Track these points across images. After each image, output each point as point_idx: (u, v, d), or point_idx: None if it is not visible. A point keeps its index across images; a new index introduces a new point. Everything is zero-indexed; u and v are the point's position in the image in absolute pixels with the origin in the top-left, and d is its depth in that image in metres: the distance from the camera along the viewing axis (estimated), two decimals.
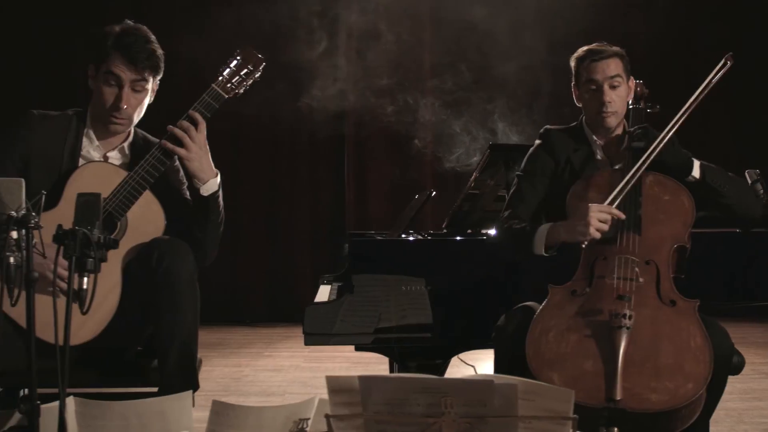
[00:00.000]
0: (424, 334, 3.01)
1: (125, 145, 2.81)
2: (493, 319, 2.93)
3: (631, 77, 2.91)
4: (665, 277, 2.55)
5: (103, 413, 1.93)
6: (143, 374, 2.73)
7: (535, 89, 5.72)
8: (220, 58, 2.78)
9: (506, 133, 4.44)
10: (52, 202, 2.64)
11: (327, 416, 1.89)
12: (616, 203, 2.58)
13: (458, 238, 3.41)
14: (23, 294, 1.94)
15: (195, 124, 2.67)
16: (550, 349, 2.45)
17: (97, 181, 2.66)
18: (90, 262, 1.91)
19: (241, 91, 2.77)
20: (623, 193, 2.60)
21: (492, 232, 3.15)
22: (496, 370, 2.66)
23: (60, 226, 1.89)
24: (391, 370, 3.91)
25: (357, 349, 3.75)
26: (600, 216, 2.54)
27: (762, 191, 2.86)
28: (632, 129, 2.75)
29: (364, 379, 1.84)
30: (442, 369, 3.14)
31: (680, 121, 2.69)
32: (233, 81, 2.74)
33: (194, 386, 2.62)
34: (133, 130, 2.84)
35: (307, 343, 3.09)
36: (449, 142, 4.54)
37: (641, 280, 2.52)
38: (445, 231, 3.81)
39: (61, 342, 1.92)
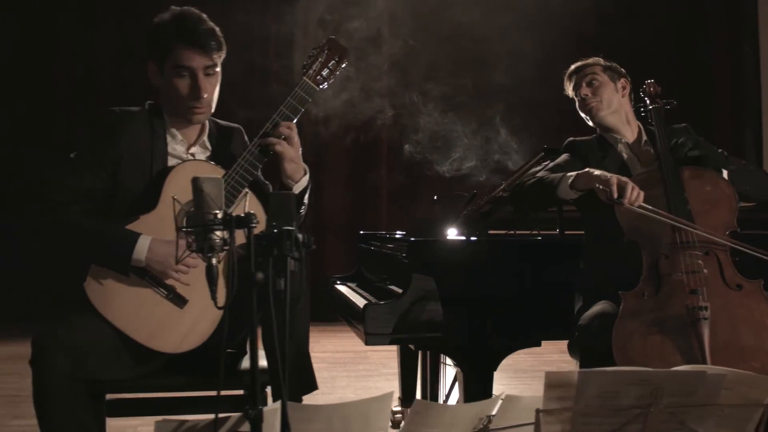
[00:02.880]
0: (481, 332, 3.06)
1: (204, 138, 2.75)
2: (553, 317, 3.03)
3: (623, 78, 3.18)
4: (727, 264, 2.70)
5: (309, 417, 1.89)
6: (234, 376, 2.68)
7: (531, 97, 5.88)
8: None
9: (507, 142, 4.56)
10: (150, 204, 2.55)
11: (537, 411, 1.93)
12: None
13: (522, 239, 3.48)
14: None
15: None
16: (637, 353, 2.55)
17: None
18: (292, 263, 1.86)
19: (330, 82, 2.74)
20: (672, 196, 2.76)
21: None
22: (582, 366, 2.74)
23: (273, 226, 1.83)
24: (424, 368, 3.95)
25: (416, 347, 3.77)
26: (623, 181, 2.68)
27: None
28: (678, 139, 2.95)
29: (583, 374, 1.89)
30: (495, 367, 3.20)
31: None
32: (323, 73, 2.70)
33: (312, 386, 2.59)
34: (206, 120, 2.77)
35: (368, 343, 3.09)
36: (444, 147, 4.62)
37: (705, 271, 2.65)
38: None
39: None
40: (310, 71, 2.68)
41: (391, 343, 3.12)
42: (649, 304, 2.64)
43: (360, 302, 3.26)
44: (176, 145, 2.69)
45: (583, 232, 3.63)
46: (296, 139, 2.61)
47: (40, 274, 6.86)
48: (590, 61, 3.20)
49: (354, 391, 4.87)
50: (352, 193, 7.00)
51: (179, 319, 2.51)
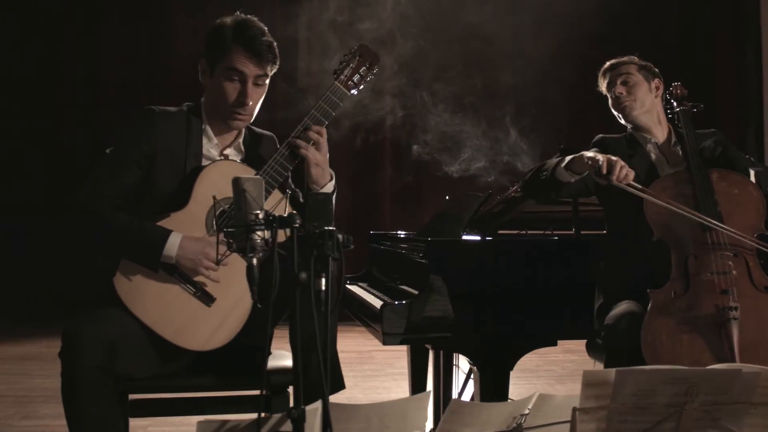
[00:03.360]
0: (498, 332, 3.07)
1: (240, 141, 2.77)
2: (571, 317, 3.05)
3: (657, 78, 3.18)
4: (755, 266, 2.73)
5: (348, 416, 1.89)
6: (257, 376, 2.68)
7: (540, 98, 5.89)
8: None
9: (516, 143, 4.58)
10: (181, 202, 2.56)
11: (574, 409, 1.94)
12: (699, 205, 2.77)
13: (541, 239, 3.49)
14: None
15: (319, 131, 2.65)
16: (667, 350, 2.58)
17: (225, 181, 2.56)
18: (331, 263, 1.87)
19: (361, 87, 2.76)
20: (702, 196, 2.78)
21: None
22: (608, 366, 2.75)
23: (315, 226, 1.84)
24: (438, 367, 3.96)
25: (433, 347, 3.78)
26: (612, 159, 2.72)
27: None
28: (706, 142, 2.98)
29: (621, 372, 1.90)
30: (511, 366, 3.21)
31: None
32: (354, 79, 2.73)
33: (340, 385, 2.60)
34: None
35: (386, 343, 3.10)
36: (453, 148, 4.63)
37: (734, 272, 2.68)
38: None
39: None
40: (342, 76, 2.71)
41: (407, 342, 3.14)
42: (678, 303, 2.66)
43: (376, 302, 3.26)
44: (210, 148, 2.70)
45: (599, 232, 3.66)
46: (325, 144, 2.63)
47: (68, 269, 6.88)
48: (625, 59, 3.20)
49: (362, 391, 4.88)
50: (358, 194, 7.00)
51: (206, 317, 2.52)
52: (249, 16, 2.71)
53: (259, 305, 1.89)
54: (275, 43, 2.69)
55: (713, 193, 2.81)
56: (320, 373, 2.53)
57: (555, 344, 3.17)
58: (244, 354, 2.63)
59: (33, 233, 7.33)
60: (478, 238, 3.43)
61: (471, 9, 5.90)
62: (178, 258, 2.46)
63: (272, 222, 1.80)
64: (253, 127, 2.84)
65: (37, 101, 7.81)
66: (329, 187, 2.69)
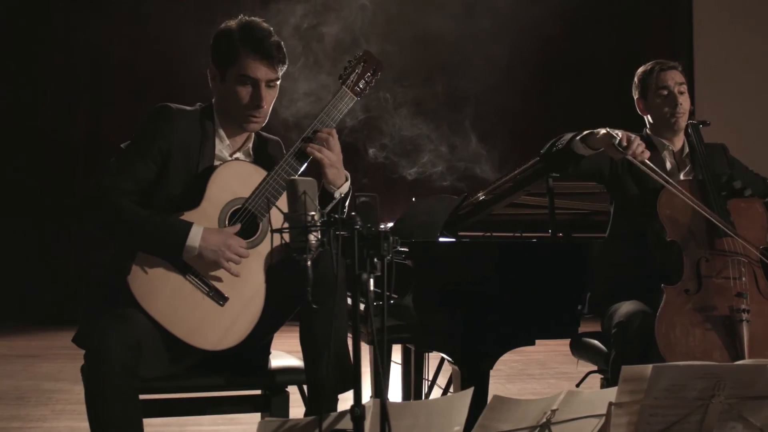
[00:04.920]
0: (480, 333, 3.14)
1: (249, 145, 2.77)
2: (552, 318, 3.13)
3: None
4: (760, 276, 2.89)
5: (398, 413, 1.92)
6: (260, 376, 2.69)
7: (499, 104, 5.94)
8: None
9: (477, 148, 4.64)
10: (193, 202, 2.55)
11: (610, 404, 2.03)
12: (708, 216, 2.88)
13: (522, 242, 3.56)
14: None
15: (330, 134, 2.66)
16: (680, 343, 2.71)
17: (238, 181, 2.60)
18: (378, 264, 1.90)
19: (365, 94, 2.79)
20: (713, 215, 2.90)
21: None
22: (617, 363, 2.83)
23: (369, 228, 1.87)
24: (407, 367, 4.00)
25: (417, 347, 3.81)
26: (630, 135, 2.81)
27: None
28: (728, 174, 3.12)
29: (657, 368, 2.00)
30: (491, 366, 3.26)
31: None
32: (359, 85, 2.75)
33: (350, 385, 2.62)
34: None
35: (371, 343, 3.13)
36: (411, 151, 4.66)
37: (744, 279, 2.84)
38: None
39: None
40: (348, 81, 2.72)
41: (392, 342, 3.16)
42: (690, 300, 2.79)
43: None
44: (223, 149, 2.70)
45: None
46: (337, 144, 2.64)
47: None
48: (679, 66, 3.22)
49: None
50: None
51: (219, 317, 2.51)
52: (253, 18, 2.70)
53: (314, 306, 1.90)
54: (282, 42, 2.69)
55: (726, 203, 2.96)
56: (329, 372, 2.58)
57: (533, 343, 3.25)
58: (245, 355, 2.62)
59: None
60: (452, 239, 3.47)
61: (434, 15, 5.95)
62: (201, 249, 2.45)
63: (333, 223, 1.82)
64: (261, 132, 2.84)
65: (30, 99, 7.62)
66: (345, 188, 2.70)
